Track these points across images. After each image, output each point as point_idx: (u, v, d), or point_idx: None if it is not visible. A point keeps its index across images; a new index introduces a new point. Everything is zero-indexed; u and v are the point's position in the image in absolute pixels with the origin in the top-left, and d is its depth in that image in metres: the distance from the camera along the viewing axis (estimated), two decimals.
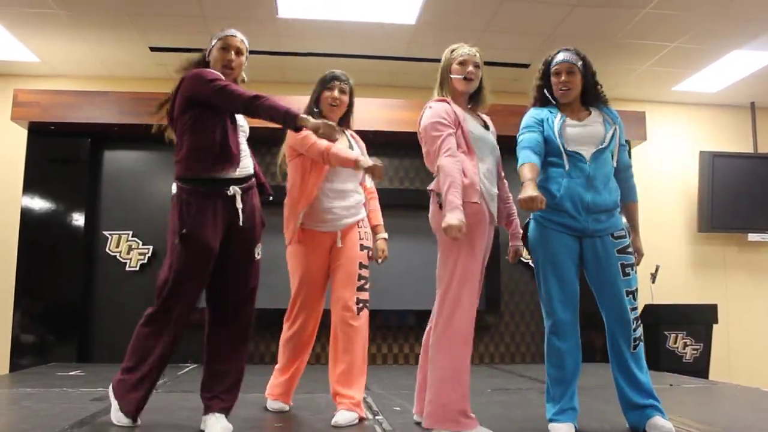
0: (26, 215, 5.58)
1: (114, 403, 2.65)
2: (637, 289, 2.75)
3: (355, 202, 3.14)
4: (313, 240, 3.06)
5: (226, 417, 2.66)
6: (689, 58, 5.75)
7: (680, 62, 5.85)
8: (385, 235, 3.32)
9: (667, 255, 6.37)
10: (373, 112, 5.47)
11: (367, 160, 2.85)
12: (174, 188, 2.67)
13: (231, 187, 2.65)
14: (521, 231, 2.92)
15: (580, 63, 2.82)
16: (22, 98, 5.51)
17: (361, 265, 3.08)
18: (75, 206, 5.65)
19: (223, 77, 2.66)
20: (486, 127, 2.84)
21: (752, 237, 6.69)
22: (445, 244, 2.61)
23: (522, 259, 3.01)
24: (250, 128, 2.90)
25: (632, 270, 2.74)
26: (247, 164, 2.76)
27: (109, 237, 5.70)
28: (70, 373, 4.61)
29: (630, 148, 3.02)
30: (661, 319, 5.74)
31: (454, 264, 2.56)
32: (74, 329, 5.50)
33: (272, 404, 3.22)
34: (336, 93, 3.12)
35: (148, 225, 5.61)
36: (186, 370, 4.79)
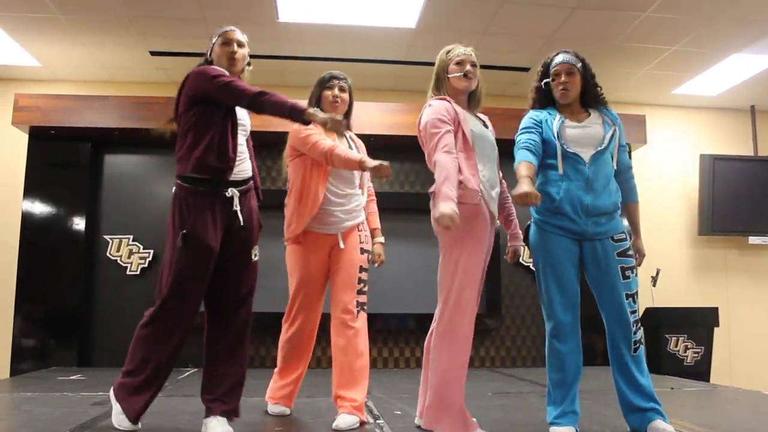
0: (27, 219, 5.58)
1: (115, 407, 2.64)
2: (637, 292, 2.74)
3: (356, 204, 3.14)
4: (313, 241, 3.07)
5: (228, 420, 2.66)
6: (689, 62, 5.76)
7: (680, 65, 5.85)
8: (382, 240, 3.33)
9: (668, 258, 6.37)
10: (374, 116, 5.48)
11: (372, 160, 2.83)
12: (174, 187, 2.67)
13: (229, 189, 2.66)
14: (520, 232, 2.93)
15: (579, 64, 2.82)
16: (22, 102, 5.51)
17: (361, 269, 3.09)
18: (75, 210, 5.65)
19: (227, 73, 2.66)
20: (485, 126, 2.84)
21: (753, 240, 6.69)
22: (446, 247, 2.61)
23: (522, 261, 3.01)
24: (252, 132, 2.90)
25: (632, 273, 2.74)
26: (245, 167, 2.76)
27: (110, 241, 5.70)
28: (71, 378, 4.61)
29: (630, 152, 3.02)
30: (662, 322, 5.74)
31: (455, 266, 2.56)
32: (75, 333, 5.50)
33: (273, 408, 3.21)
34: (336, 91, 3.12)
35: (148, 229, 5.61)
36: (186, 374, 4.80)
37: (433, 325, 2.74)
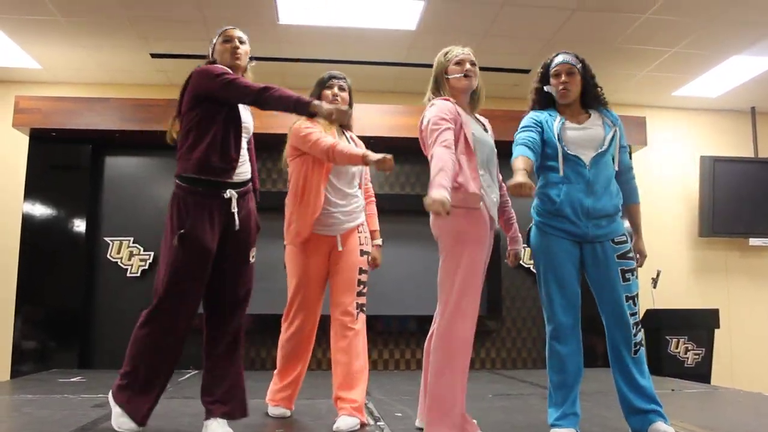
0: (27, 221, 5.58)
1: (114, 410, 2.63)
2: (637, 294, 2.74)
3: (356, 206, 3.15)
4: (313, 243, 3.06)
5: (228, 422, 2.66)
6: (689, 64, 5.76)
7: (680, 67, 5.85)
8: (380, 242, 3.32)
9: (669, 260, 6.36)
10: (374, 118, 5.48)
11: (374, 154, 2.81)
12: (174, 186, 2.67)
13: (228, 191, 2.66)
14: (520, 235, 2.93)
15: (579, 65, 2.83)
16: (23, 105, 5.52)
17: (361, 271, 3.09)
18: (76, 212, 5.66)
19: (230, 71, 2.66)
20: (485, 130, 2.84)
21: (754, 241, 6.69)
22: (446, 250, 2.61)
23: (523, 263, 3.01)
24: (252, 133, 2.90)
25: (632, 275, 2.73)
26: (245, 170, 2.76)
27: (110, 243, 5.70)
28: (72, 380, 4.61)
29: (630, 153, 3.02)
30: (663, 323, 5.74)
31: (455, 269, 2.56)
32: (75, 335, 5.50)
33: (273, 410, 3.21)
34: (336, 90, 3.13)
35: (149, 231, 5.61)
36: (187, 376, 4.80)
37: (433, 326, 2.74)
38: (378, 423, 3.06)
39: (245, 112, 2.78)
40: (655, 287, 5.88)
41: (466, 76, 2.73)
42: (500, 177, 2.86)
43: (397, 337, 5.88)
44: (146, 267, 5.65)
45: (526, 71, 5.84)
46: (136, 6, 4.79)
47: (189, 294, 2.61)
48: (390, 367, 5.86)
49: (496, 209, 2.75)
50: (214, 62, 2.78)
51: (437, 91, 2.78)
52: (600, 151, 2.75)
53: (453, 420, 2.50)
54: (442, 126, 2.57)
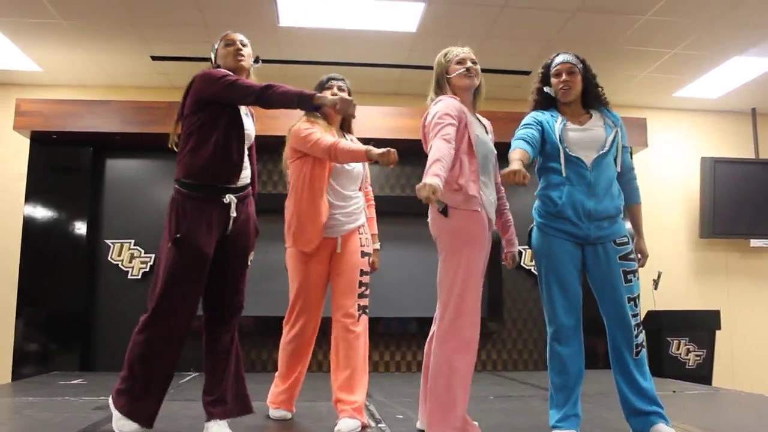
0: (28, 224, 5.59)
1: (115, 413, 2.63)
2: (639, 296, 2.74)
3: (356, 207, 3.14)
4: None
5: (228, 423, 2.67)
6: (690, 65, 5.76)
7: (681, 68, 5.85)
8: (378, 246, 3.32)
9: (669, 261, 6.35)
10: (375, 120, 5.48)
11: (377, 148, 2.80)
12: (173, 190, 2.67)
13: (227, 195, 2.66)
14: (516, 238, 2.93)
15: (580, 65, 2.83)
16: (24, 107, 5.52)
17: (362, 272, 3.08)
18: (77, 215, 5.66)
19: (232, 74, 2.66)
20: (486, 131, 2.84)
21: (754, 243, 6.69)
22: (445, 250, 2.61)
23: (524, 265, 3.01)
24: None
25: (634, 276, 2.73)
26: (246, 174, 2.77)
27: (111, 246, 5.70)
28: (73, 382, 4.61)
29: (631, 154, 3.02)
30: (664, 325, 5.73)
31: (455, 269, 2.56)
32: (76, 338, 5.50)
33: (274, 413, 3.21)
34: (336, 90, 3.12)
35: (150, 234, 5.59)
36: (188, 379, 4.80)
37: (433, 328, 2.74)
38: (379, 425, 3.05)
39: (247, 118, 2.79)
40: (656, 288, 5.88)
41: (468, 74, 2.73)
42: (499, 179, 2.86)
43: (398, 339, 5.88)
44: (147, 269, 5.64)
45: (527, 73, 5.84)
46: (136, 9, 4.80)
47: (186, 297, 2.60)
48: (391, 368, 5.86)
49: (494, 210, 2.75)
50: (217, 67, 2.78)
51: (440, 92, 2.77)
52: (602, 152, 2.75)
53: (454, 422, 2.50)
54: (445, 121, 2.57)
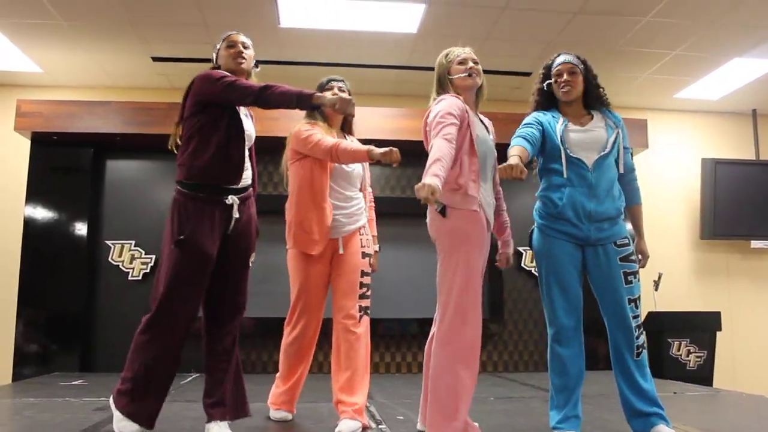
0: (29, 225, 5.59)
1: (116, 414, 2.63)
2: (639, 297, 2.74)
3: (357, 208, 3.14)
4: None
5: (229, 424, 2.66)
6: (691, 66, 5.76)
7: (682, 70, 5.86)
8: (377, 248, 3.32)
9: (670, 262, 6.35)
10: (376, 121, 5.48)
11: (379, 149, 2.80)
12: (174, 192, 2.67)
13: (229, 197, 2.66)
14: (512, 239, 2.93)
15: (581, 65, 2.83)
16: (25, 108, 5.52)
17: (363, 273, 3.08)
18: (77, 216, 5.66)
19: (231, 75, 2.66)
20: (487, 131, 2.84)
21: (755, 244, 6.69)
22: (444, 250, 2.60)
23: (524, 266, 3.01)
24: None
25: (635, 278, 2.73)
26: (247, 175, 2.77)
27: (112, 246, 5.70)
28: (73, 383, 4.60)
29: (632, 155, 3.02)
30: (664, 326, 5.72)
31: (454, 269, 2.55)
32: (77, 339, 5.50)
33: (275, 414, 3.21)
34: (336, 91, 3.12)
35: (150, 234, 5.59)
36: (189, 380, 4.79)
37: (433, 329, 2.73)
38: (380, 426, 3.05)
39: (247, 119, 2.79)
40: (656, 290, 5.87)
41: (470, 74, 2.73)
42: (497, 180, 2.86)
43: (399, 340, 5.88)
44: (147, 270, 5.64)
45: (528, 74, 5.84)
46: (136, 9, 4.80)
47: (188, 299, 2.60)
48: (391, 370, 5.85)
49: (492, 211, 2.75)
50: (218, 68, 2.78)
51: (442, 92, 2.77)
52: (603, 153, 2.75)
53: (455, 423, 2.49)
54: (447, 120, 2.56)
